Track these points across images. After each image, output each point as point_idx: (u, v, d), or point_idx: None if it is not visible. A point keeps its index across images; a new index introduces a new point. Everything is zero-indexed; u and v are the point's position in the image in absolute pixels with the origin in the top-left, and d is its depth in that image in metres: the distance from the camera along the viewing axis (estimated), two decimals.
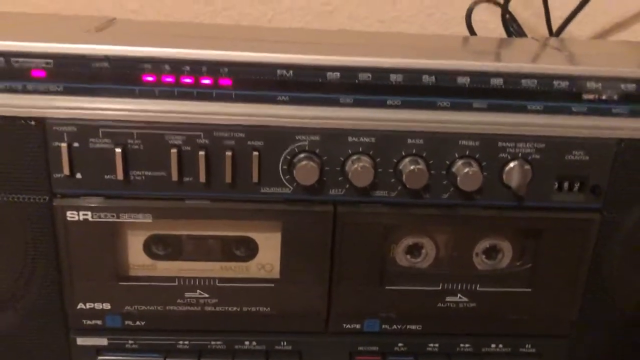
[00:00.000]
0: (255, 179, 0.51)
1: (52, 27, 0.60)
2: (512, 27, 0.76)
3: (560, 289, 0.57)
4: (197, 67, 0.49)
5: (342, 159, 0.51)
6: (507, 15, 0.75)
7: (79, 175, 0.51)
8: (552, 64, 0.52)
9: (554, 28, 0.77)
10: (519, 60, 0.53)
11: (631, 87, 0.52)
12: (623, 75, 0.51)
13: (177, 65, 0.49)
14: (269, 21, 0.79)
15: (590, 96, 0.52)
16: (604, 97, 0.52)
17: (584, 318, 0.59)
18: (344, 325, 0.58)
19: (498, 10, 0.76)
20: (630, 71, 0.52)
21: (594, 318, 0.59)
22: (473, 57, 0.56)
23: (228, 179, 0.51)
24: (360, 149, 0.51)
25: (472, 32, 0.76)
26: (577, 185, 0.54)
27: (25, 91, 0.49)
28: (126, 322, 0.56)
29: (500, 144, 0.52)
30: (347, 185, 0.52)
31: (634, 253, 0.56)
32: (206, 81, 0.49)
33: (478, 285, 0.57)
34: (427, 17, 0.80)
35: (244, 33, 0.65)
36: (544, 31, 0.77)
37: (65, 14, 0.77)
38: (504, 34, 0.76)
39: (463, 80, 0.51)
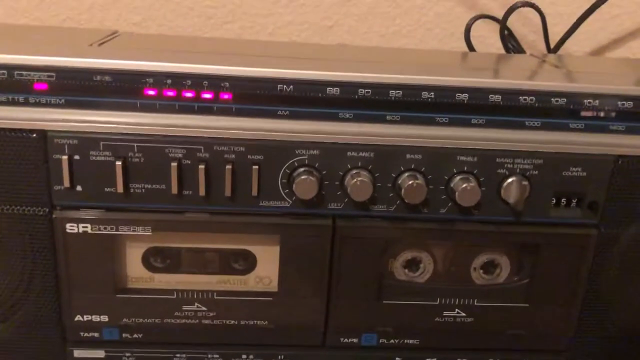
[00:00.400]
0: (254, 192, 0.52)
1: (55, 40, 0.60)
2: (511, 43, 0.76)
3: (558, 304, 0.57)
4: (198, 81, 0.49)
5: (341, 173, 0.52)
6: (506, 32, 0.75)
7: (79, 188, 0.51)
8: (550, 81, 0.52)
9: (552, 44, 0.77)
10: (517, 77, 0.54)
11: (628, 104, 0.52)
12: (620, 92, 0.52)
13: (178, 80, 0.49)
14: (270, 35, 0.80)
15: (588, 113, 0.52)
16: (601, 114, 0.52)
17: (581, 333, 0.59)
18: (342, 339, 0.58)
19: (497, 26, 0.76)
20: (628, 89, 0.52)
21: (591, 333, 0.59)
22: (472, 74, 0.57)
23: (228, 193, 0.51)
24: (360, 164, 0.52)
25: (470, 47, 0.77)
26: (574, 201, 0.54)
27: (27, 104, 0.49)
28: (124, 335, 0.56)
29: (498, 159, 0.52)
30: (346, 200, 0.52)
31: (631, 268, 0.57)
32: (207, 95, 0.50)
33: (476, 300, 0.57)
34: (426, 32, 0.81)
35: (245, 47, 0.65)
36: (542, 47, 0.78)
37: (68, 26, 0.77)
38: (502, 50, 0.77)
39: (461, 96, 0.51)
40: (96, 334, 0.56)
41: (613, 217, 0.55)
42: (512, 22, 0.77)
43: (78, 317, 0.55)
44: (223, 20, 0.79)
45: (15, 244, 0.52)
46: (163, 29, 0.79)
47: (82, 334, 0.56)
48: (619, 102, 0.52)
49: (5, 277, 0.53)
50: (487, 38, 0.81)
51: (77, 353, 0.56)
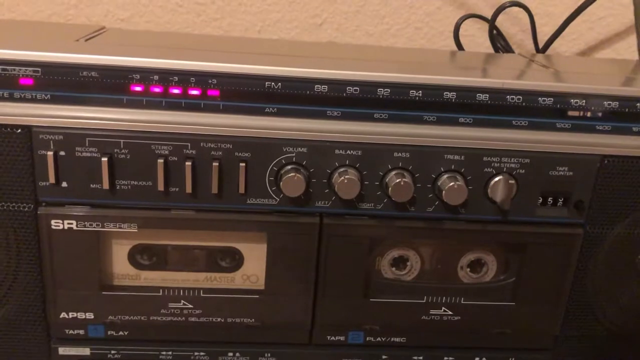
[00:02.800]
0: (241, 190, 0.51)
1: (42, 35, 0.60)
2: (499, 42, 0.77)
3: (544, 302, 0.58)
4: (185, 77, 0.49)
5: (328, 171, 0.52)
6: (495, 31, 0.76)
7: (64, 184, 0.50)
8: (537, 81, 0.53)
9: (541, 44, 0.78)
10: (505, 76, 0.54)
11: (614, 104, 0.52)
12: (607, 92, 0.52)
13: (165, 76, 0.49)
14: (258, 32, 0.79)
15: (575, 113, 0.53)
16: (587, 114, 0.53)
17: (566, 332, 0.59)
18: (328, 337, 0.58)
19: (486, 26, 0.76)
20: (614, 89, 0.53)
21: (576, 332, 0.59)
22: (460, 73, 0.57)
23: (214, 190, 0.51)
24: (347, 162, 0.52)
25: (459, 46, 0.77)
26: (560, 201, 0.54)
27: (12, 99, 0.49)
28: (109, 332, 0.56)
29: (485, 158, 0.52)
30: (334, 198, 0.52)
31: (616, 267, 0.57)
32: (194, 92, 0.50)
33: (462, 299, 0.58)
34: (415, 31, 0.81)
35: (233, 44, 0.65)
36: (531, 47, 0.78)
37: (55, 21, 0.77)
38: (491, 49, 0.77)
39: (449, 95, 0.51)
40: (81, 332, 0.56)
41: (599, 216, 0.55)
42: (501, 22, 0.77)
43: (63, 315, 0.54)
44: (212, 17, 0.78)
45: (0, 239, 0.51)
46: (151, 25, 0.78)
47: (67, 331, 0.56)
48: (605, 102, 0.52)
49: None
50: (476, 37, 0.81)
51: (62, 350, 0.56)
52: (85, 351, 0.56)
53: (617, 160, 0.53)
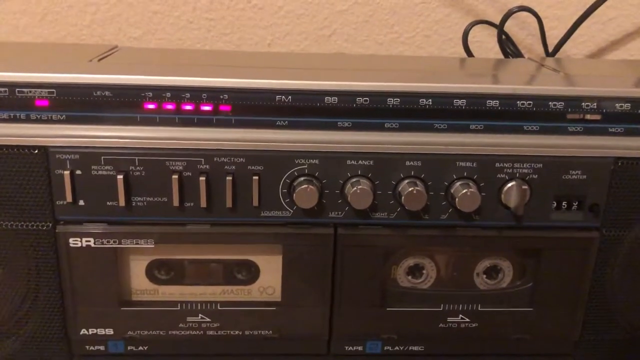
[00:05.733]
0: (255, 203, 0.52)
1: (55, 57, 0.61)
2: (509, 47, 0.76)
3: (562, 307, 0.57)
4: (197, 94, 0.50)
5: (341, 181, 0.52)
6: (503, 36, 0.75)
7: (81, 202, 0.51)
8: (548, 85, 0.53)
9: (550, 48, 0.77)
10: (515, 81, 0.54)
11: (626, 106, 0.52)
12: (618, 94, 0.52)
13: (177, 93, 0.50)
14: (268, 46, 0.80)
15: (587, 116, 0.52)
16: (600, 117, 0.52)
17: (586, 337, 0.59)
18: (346, 347, 0.58)
19: (494, 31, 0.76)
20: (626, 90, 0.52)
21: (596, 336, 0.59)
22: (469, 80, 0.57)
23: (229, 204, 0.52)
24: (359, 172, 0.52)
25: (469, 53, 0.77)
26: (575, 204, 0.54)
27: (28, 120, 0.50)
28: (129, 348, 0.57)
29: (497, 164, 0.52)
30: (347, 208, 0.53)
31: (634, 270, 0.57)
32: (206, 108, 0.50)
33: (479, 306, 0.57)
34: (424, 39, 0.81)
35: (244, 59, 0.66)
36: (541, 51, 0.78)
37: (69, 41, 0.78)
38: (500, 54, 0.77)
39: (459, 102, 0.51)
40: (102, 347, 0.56)
41: (615, 219, 0.55)
42: (509, 27, 0.77)
43: (83, 331, 0.55)
44: (222, 33, 0.79)
45: (20, 259, 0.52)
46: (163, 42, 0.79)
47: (87, 347, 0.56)
48: (617, 104, 0.52)
49: (10, 293, 0.53)
50: (485, 43, 0.81)
51: None
52: None
53: (631, 162, 0.53)
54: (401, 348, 0.58)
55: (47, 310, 0.54)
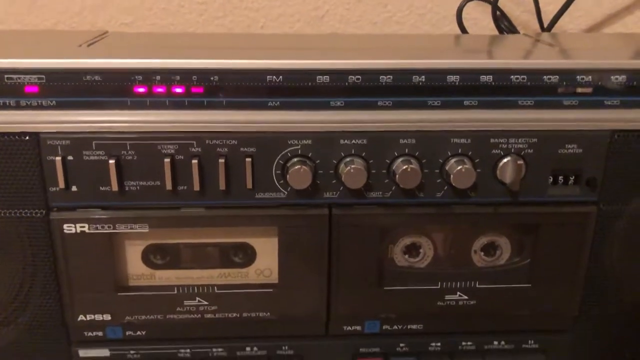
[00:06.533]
0: (249, 185, 0.52)
1: (45, 43, 0.61)
2: (503, 24, 0.76)
3: (561, 283, 0.57)
4: (187, 76, 0.49)
5: (334, 161, 0.52)
6: (498, 13, 0.75)
7: (74, 188, 0.51)
8: (541, 59, 0.52)
9: (546, 23, 0.77)
10: (509, 56, 0.53)
11: (622, 78, 0.52)
12: (614, 66, 0.51)
13: (167, 76, 0.49)
14: (261, 28, 0.79)
15: (582, 89, 0.52)
16: (595, 90, 0.52)
17: (585, 311, 0.58)
18: (345, 327, 0.58)
19: (489, 8, 0.76)
20: (621, 62, 0.52)
21: (596, 312, 0.59)
22: (463, 56, 0.57)
23: (222, 186, 0.51)
24: (353, 151, 0.51)
25: (463, 30, 0.76)
26: (572, 179, 0.54)
27: (19, 107, 0.49)
28: (127, 333, 0.57)
29: (492, 140, 0.52)
30: (341, 188, 0.52)
31: (633, 244, 0.56)
32: (197, 90, 0.50)
33: (477, 283, 0.57)
34: (418, 17, 0.80)
35: (235, 41, 0.65)
36: (536, 27, 0.77)
37: (60, 29, 0.78)
38: (495, 31, 0.76)
39: (453, 78, 0.51)
40: (100, 333, 0.56)
41: (612, 193, 0.54)
42: (504, 3, 0.76)
43: (81, 317, 0.55)
44: (214, 16, 0.79)
45: (15, 247, 0.52)
46: (155, 28, 0.78)
47: (86, 333, 0.56)
48: (613, 77, 0.51)
49: (6, 281, 0.53)
50: (480, 20, 0.80)
51: (82, 353, 0.57)
52: (105, 352, 0.57)
53: (628, 135, 0.52)
54: (400, 327, 0.58)
55: (44, 297, 0.54)
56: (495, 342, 0.60)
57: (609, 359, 0.61)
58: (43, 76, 0.49)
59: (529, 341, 0.60)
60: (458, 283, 0.57)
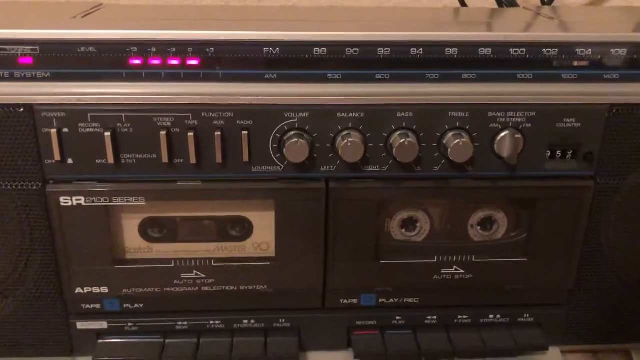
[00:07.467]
0: (245, 158, 0.51)
1: (38, 14, 0.60)
2: None
3: (557, 257, 0.57)
4: (182, 48, 0.49)
5: (331, 135, 0.51)
6: None
7: (70, 161, 0.51)
8: (541, 32, 0.51)
9: None
10: (508, 29, 0.53)
11: (622, 51, 0.51)
12: (613, 40, 0.51)
13: (163, 47, 0.49)
14: (259, 1, 0.78)
15: (581, 63, 0.51)
16: (595, 63, 0.51)
17: (581, 286, 0.59)
18: (341, 300, 0.58)
19: None
20: (620, 36, 0.51)
21: (591, 286, 0.59)
22: (462, 28, 0.56)
23: (219, 159, 0.51)
24: (350, 125, 0.51)
25: (462, 3, 0.76)
26: (569, 153, 0.54)
27: (13, 78, 0.49)
28: (125, 305, 0.57)
29: (490, 114, 0.52)
30: (338, 162, 0.52)
31: (629, 218, 0.56)
32: (193, 62, 0.49)
33: (474, 257, 0.57)
34: None
35: (231, 13, 0.65)
36: (536, 0, 0.76)
37: (54, 0, 0.76)
38: (495, 4, 0.75)
39: (451, 51, 0.50)
40: (97, 306, 0.57)
41: (609, 167, 0.54)
42: None
43: (78, 290, 0.55)
44: None
45: (12, 220, 0.52)
46: (152, 0, 0.77)
47: (83, 306, 0.57)
48: (612, 50, 0.51)
49: (4, 253, 0.53)
50: None
51: (80, 325, 0.57)
52: (103, 324, 0.57)
53: (626, 109, 0.52)
54: (396, 300, 0.59)
55: (41, 270, 0.54)
56: (491, 316, 0.60)
57: (603, 333, 0.62)
58: (37, 47, 0.48)
59: (525, 315, 0.60)
60: (454, 257, 0.57)
